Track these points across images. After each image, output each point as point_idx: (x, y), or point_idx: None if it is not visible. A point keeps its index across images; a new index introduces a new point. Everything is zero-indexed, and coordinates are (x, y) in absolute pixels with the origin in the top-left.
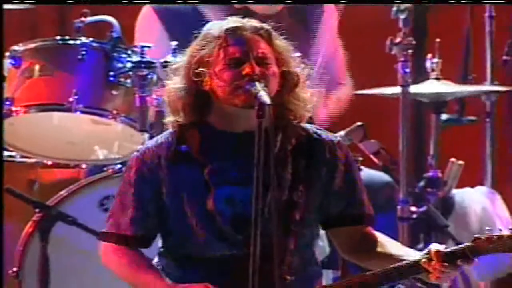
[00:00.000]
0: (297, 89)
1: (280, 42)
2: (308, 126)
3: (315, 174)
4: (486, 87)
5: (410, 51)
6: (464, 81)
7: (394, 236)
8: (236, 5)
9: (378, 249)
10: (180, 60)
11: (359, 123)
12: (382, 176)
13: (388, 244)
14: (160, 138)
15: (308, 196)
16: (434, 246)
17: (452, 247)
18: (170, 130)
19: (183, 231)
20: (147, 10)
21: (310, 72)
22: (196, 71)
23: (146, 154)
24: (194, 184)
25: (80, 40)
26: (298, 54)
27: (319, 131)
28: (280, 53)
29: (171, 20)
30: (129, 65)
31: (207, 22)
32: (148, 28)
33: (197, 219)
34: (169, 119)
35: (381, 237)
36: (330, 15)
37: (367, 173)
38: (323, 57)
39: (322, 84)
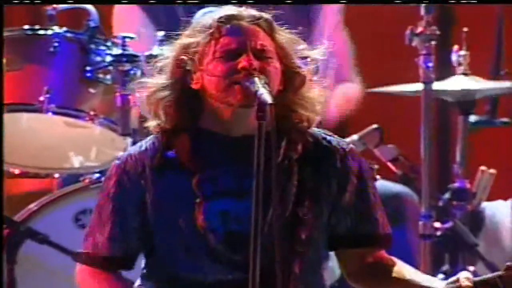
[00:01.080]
0: (303, 89)
1: (283, 33)
2: (316, 131)
3: (323, 187)
4: None
5: (433, 42)
6: (496, 76)
7: (404, 257)
8: None
9: (394, 276)
10: (166, 53)
11: (374, 126)
12: (392, 187)
13: (405, 271)
14: (144, 144)
15: (316, 212)
16: (464, 274)
17: (482, 276)
18: (156, 134)
19: (171, 250)
20: None
21: (316, 67)
22: (184, 66)
23: (128, 162)
24: (183, 196)
25: (52, 29)
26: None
27: (328, 137)
28: (282, 47)
29: (156, 8)
30: (108, 58)
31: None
32: (127, 17)
33: (186, 236)
34: (151, 123)
35: (397, 262)
36: (332, 6)
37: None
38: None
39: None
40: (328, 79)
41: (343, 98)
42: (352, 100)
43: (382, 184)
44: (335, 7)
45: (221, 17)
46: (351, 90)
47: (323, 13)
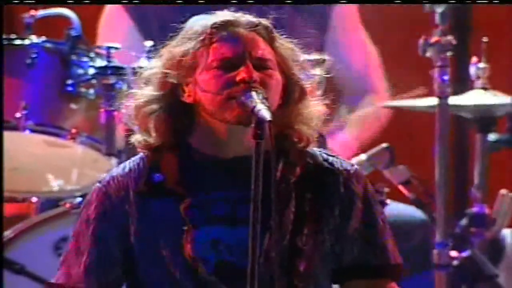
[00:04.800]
0: (303, 103)
1: (283, 42)
2: (316, 151)
3: (325, 213)
4: None
5: (449, 53)
6: None
7: None
8: None
9: None
10: (154, 63)
11: (384, 145)
12: (414, 212)
13: None
14: (128, 165)
15: (316, 241)
16: None
17: None
18: (141, 154)
19: (155, 282)
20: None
21: (320, 80)
22: (174, 77)
23: (110, 186)
24: (170, 223)
25: (30, 39)
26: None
27: (330, 158)
28: (282, 57)
29: (145, 16)
30: (92, 71)
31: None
32: (114, 27)
33: (174, 267)
34: (137, 138)
35: None
36: (347, 9)
37: (395, 208)
38: (350, 63)
39: (351, 97)
40: (354, 93)
41: (374, 115)
42: (384, 117)
43: (406, 209)
44: (349, 10)
45: (215, 23)
46: (381, 105)
47: (338, 14)
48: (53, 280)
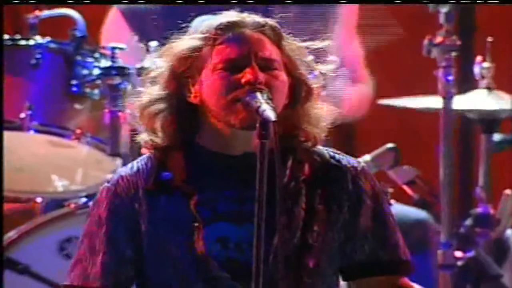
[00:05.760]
0: (310, 103)
1: (290, 42)
2: (323, 149)
3: (334, 210)
4: None
5: (454, 53)
6: None
7: None
8: None
9: None
10: (160, 63)
11: (389, 145)
12: (413, 213)
13: None
14: (136, 164)
15: (326, 237)
16: None
17: None
18: (149, 153)
19: (165, 279)
20: (114, 15)
21: (325, 79)
22: (180, 78)
23: (119, 185)
24: (179, 220)
25: (35, 40)
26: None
27: (337, 156)
28: (289, 58)
29: (142, 26)
30: (96, 71)
31: (191, 19)
32: (116, 37)
33: (183, 264)
34: (143, 137)
35: None
36: (349, 8)
37: (394, 208)
38: (339, 53)
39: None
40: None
41: (357, 99)
42: (366, 102)
43: (406, 209)
44: (353, 7)
45: (221, 24)
46: (364, 90)
47: (340, 12)
48: (67, 283)
